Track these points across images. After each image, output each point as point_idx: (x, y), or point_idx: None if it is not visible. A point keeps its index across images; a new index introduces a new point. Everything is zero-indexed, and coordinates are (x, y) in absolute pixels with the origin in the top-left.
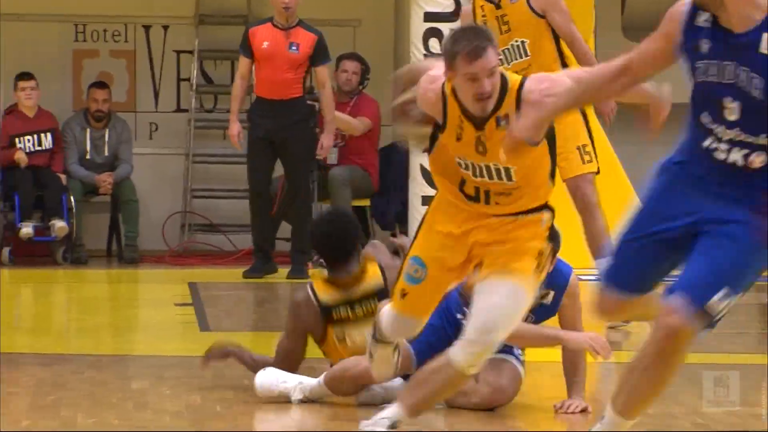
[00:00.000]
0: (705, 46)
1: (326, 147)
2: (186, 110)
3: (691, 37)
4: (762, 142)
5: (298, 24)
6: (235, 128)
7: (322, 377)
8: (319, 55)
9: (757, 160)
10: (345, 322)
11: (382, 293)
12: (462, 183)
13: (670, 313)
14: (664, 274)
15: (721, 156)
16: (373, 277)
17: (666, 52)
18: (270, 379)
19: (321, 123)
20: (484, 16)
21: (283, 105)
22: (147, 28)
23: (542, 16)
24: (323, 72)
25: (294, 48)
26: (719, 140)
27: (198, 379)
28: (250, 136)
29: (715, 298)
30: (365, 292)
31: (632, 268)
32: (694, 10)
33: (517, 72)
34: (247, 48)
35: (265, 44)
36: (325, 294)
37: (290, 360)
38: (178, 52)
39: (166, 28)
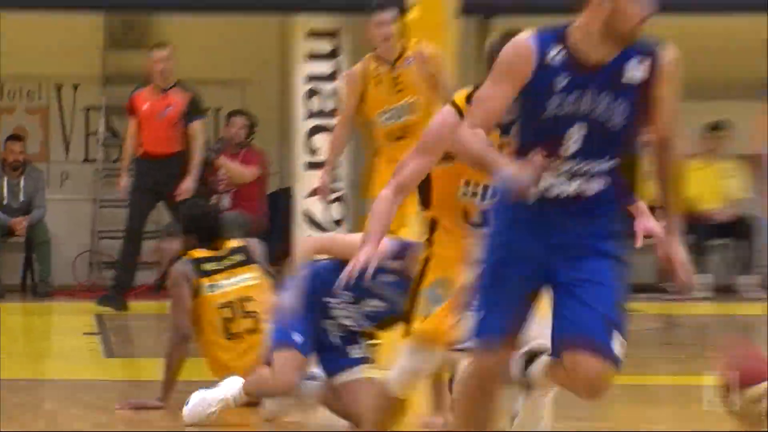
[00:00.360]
0: (562, 80)
1: (185, 190)
2: (94, 160)
3: (545, 74)
4: (602, 167)
5: (175, 85)
6: (124, 181)
7: (241, 388)
8: (191, 113)
9: (590, 188)
10: (214, 273)
11: (242, 250)
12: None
13: (586, 366)
14: (528, 311)
15: (558, 190)
16: (233, 242)
17: (511, 94)
18: (197, 410)
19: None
20: (378, 75)
21: (164, 159)
22: (59, 87)
23: (431, 78)
24: (194, 128)
25: (170, 108)
26: (556, 175)
27: (104, 401)
28: (135, 186)
29: (616, 345)
30: (228, 248)
31: (502, 314)
32: (545, 45)
33: (401, 130)
34: (131, 110)
35: (146, 106)
36: (197, 253)
37: (180, 332)
38: (87, 109)
39: (76, 87)
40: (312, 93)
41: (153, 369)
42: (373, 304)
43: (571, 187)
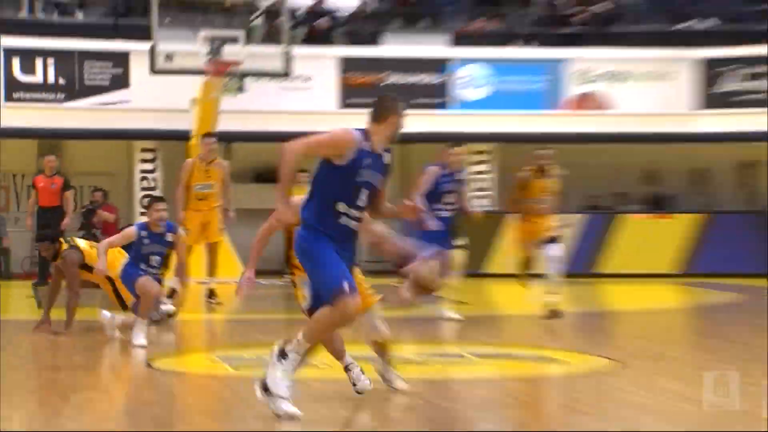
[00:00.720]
0: (368, 161)
1: (64, 224)
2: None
3: (361, 156)
4: (363, 213)
5: (56, 174)
6: (29, 223)
7: (131, 310)
8: (65, 187)
9: (357, 223)
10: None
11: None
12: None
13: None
14: None
15: (350, 225)
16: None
17: (332, 156)
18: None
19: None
20: (200, 167)
21: (51, 209)
22: (14, 175)
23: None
24: (68, 195)
25: (54, 185)
26: (349, 217)
27: None
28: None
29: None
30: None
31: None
32: (361, 140)
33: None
34: (33, 186)
35: (41, 184)
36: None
37: (73, 289)
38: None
39: (23, 175)
40: (143, 179)
41: None
42: None
43: (352, 224)
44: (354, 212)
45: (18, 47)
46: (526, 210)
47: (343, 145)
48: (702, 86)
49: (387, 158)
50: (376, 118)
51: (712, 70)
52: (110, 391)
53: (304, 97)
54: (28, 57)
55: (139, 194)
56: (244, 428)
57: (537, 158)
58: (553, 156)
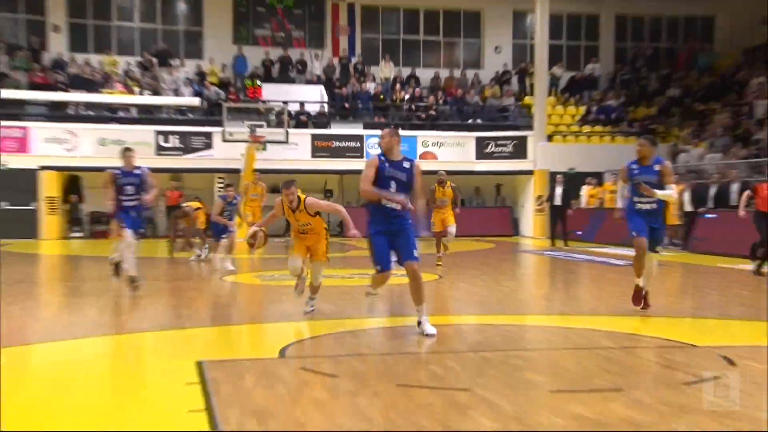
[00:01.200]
0: (388, 166)
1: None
2: None
3: (384, 167)
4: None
5: (176, 189)
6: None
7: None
8: (180, 195)
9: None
10: None
11: None
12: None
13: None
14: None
15: (390, 205)
16: None
17: (376, 171)
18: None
19: None
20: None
21: (174, 207)
22: None
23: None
24: (183, 200)
25: (175, 193)
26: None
27: None
28: None
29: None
30: None
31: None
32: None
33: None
34: (164, 195)
35: (168, 194)
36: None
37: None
38: None
39: None
40: (219, 191)
41: None
42: None
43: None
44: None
45: (165, 130)
46: (436, 206)
47: (372, 164)
48: (478, 149)
49: (406, 164)
50: (399, 143)
51: (482, 142)
52: (204, 291)
53: (295, 152)
54: (167, 133)
55: (216, 197)
56: (278, 312)
57: (439, 177)
58: (446, 176)
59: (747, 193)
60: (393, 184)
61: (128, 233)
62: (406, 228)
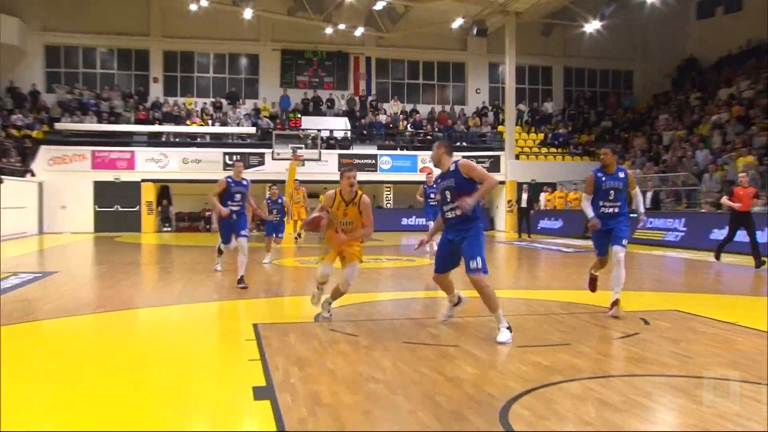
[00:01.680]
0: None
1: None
2: None
3: (440, 178)
4: (455, 205)
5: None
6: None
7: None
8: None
9: (455, 213)
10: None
11: None
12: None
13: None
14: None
15: (449, 215)
16: None
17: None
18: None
19: None
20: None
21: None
22: None
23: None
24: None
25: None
26: (444, 211)
27: None
28: None
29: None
30: None
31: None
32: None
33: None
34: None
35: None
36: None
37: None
38: None
39: None
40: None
41: None
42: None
43: (452, 214)
44: (447, 206)
45: (230, 152)
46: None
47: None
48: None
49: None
50: (448, 153)
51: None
52: (259, 272)
53: (325, 167)
54: (231, 153)
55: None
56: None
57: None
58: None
59: (726, 197)
60: (447, 195)
61: (241, 240)
62: (469, 236)
